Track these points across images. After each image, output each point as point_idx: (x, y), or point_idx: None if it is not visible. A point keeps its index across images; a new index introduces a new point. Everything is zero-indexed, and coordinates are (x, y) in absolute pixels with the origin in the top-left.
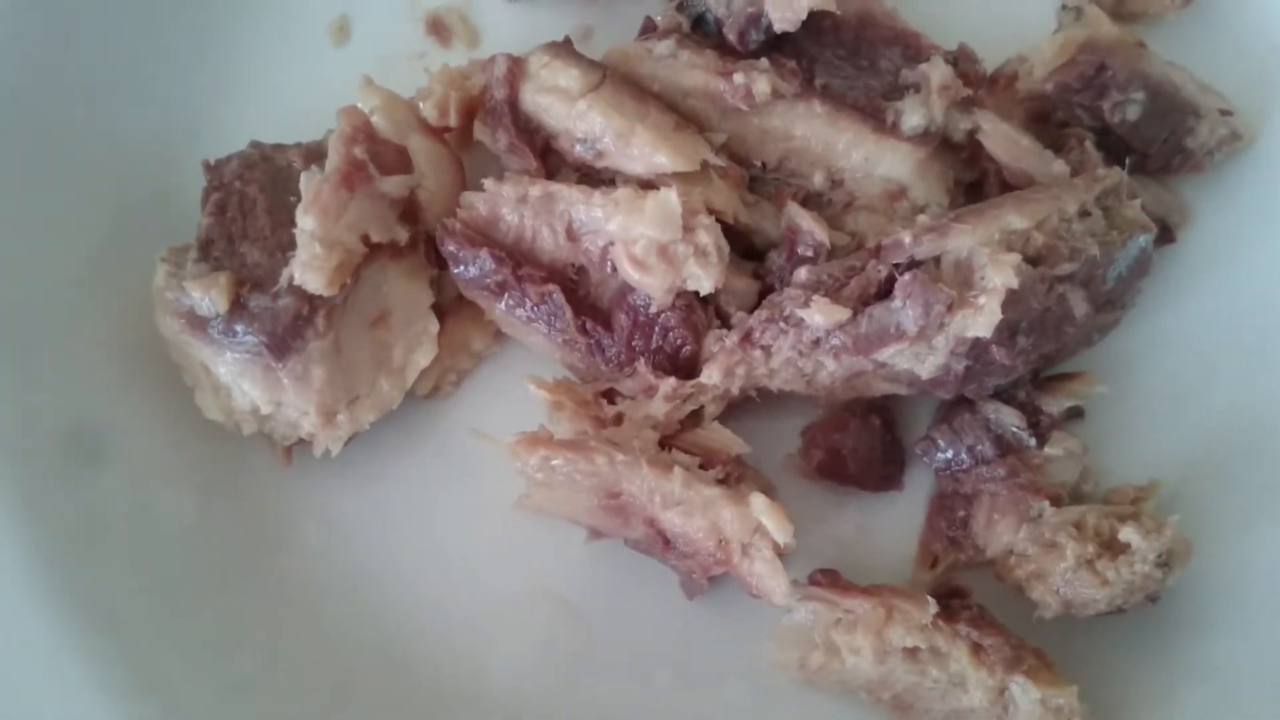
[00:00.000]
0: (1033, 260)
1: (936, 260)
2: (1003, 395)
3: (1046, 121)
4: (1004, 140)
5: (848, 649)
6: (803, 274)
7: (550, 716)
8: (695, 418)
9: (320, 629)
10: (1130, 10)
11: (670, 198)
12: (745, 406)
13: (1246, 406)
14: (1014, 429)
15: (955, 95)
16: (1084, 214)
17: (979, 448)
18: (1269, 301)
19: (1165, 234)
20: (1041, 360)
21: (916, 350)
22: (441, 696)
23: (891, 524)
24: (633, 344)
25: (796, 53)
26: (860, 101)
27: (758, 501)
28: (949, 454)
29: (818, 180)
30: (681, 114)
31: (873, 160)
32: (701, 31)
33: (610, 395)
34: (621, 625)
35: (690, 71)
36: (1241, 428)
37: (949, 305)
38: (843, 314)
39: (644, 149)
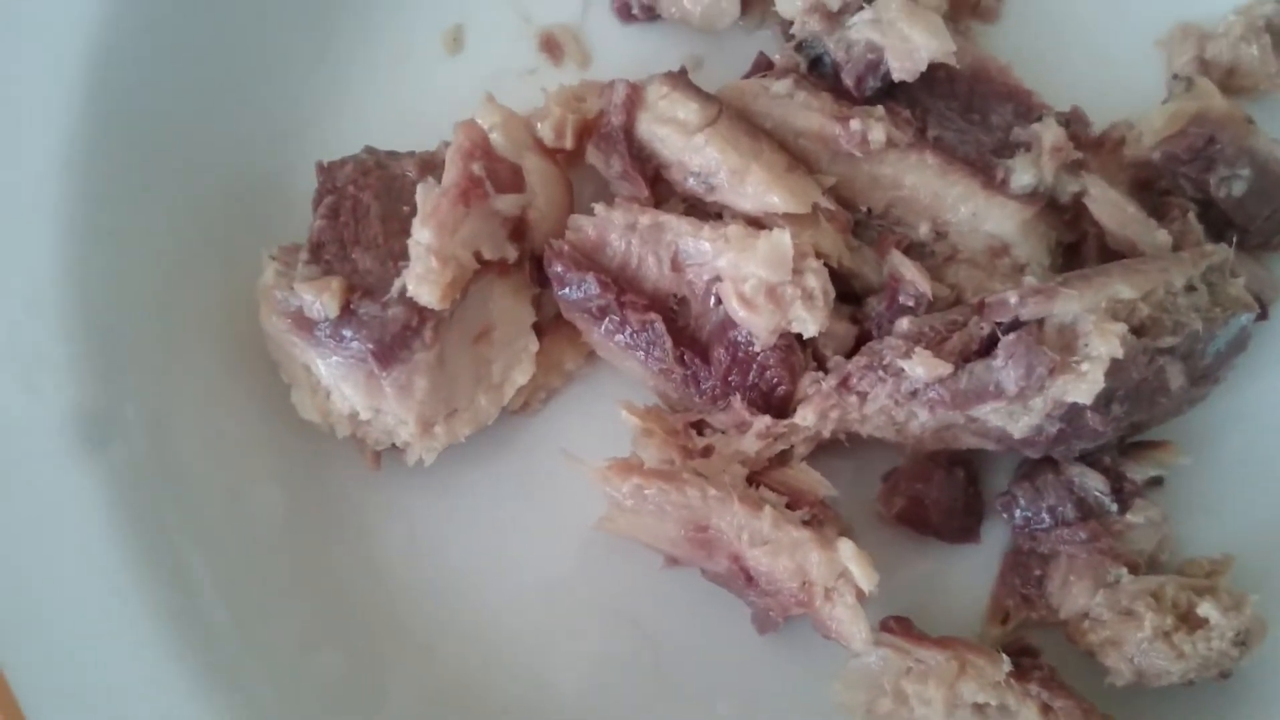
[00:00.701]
0: (1136, 330)
1: (1040, 323)
2: (1087, 458)
3: (1149, 189)
4: (1111, 207)
5: (918, 699)
6: (904, 324)
7: None
8: (783, 457)
9: (397, 632)
10: (1239, 84)
11: (784, 239)
12: (830, 448)
13: None
14: (1097, 493)
15: (1066, 157)
16: (1190, 289)
17: (1060, 509)
18: None
19: (1261, 311)
20: (1131, 430)
21: (1012, 410)
22: (507, 708)
23: (965, 576)
24: (729, 379)
25: (910, 102)
26: (971, 156)
27: (845, 547)
28: (1030, 512)
29: (923, 231)
30: (792, 154)
31: (980, 216)
32: (818, 73)
33: (700, 427)
34: (689, 653)
35: (805, 113)
36: None
37: (1051, 369)
38: (945, 369)
39: (758, 187)
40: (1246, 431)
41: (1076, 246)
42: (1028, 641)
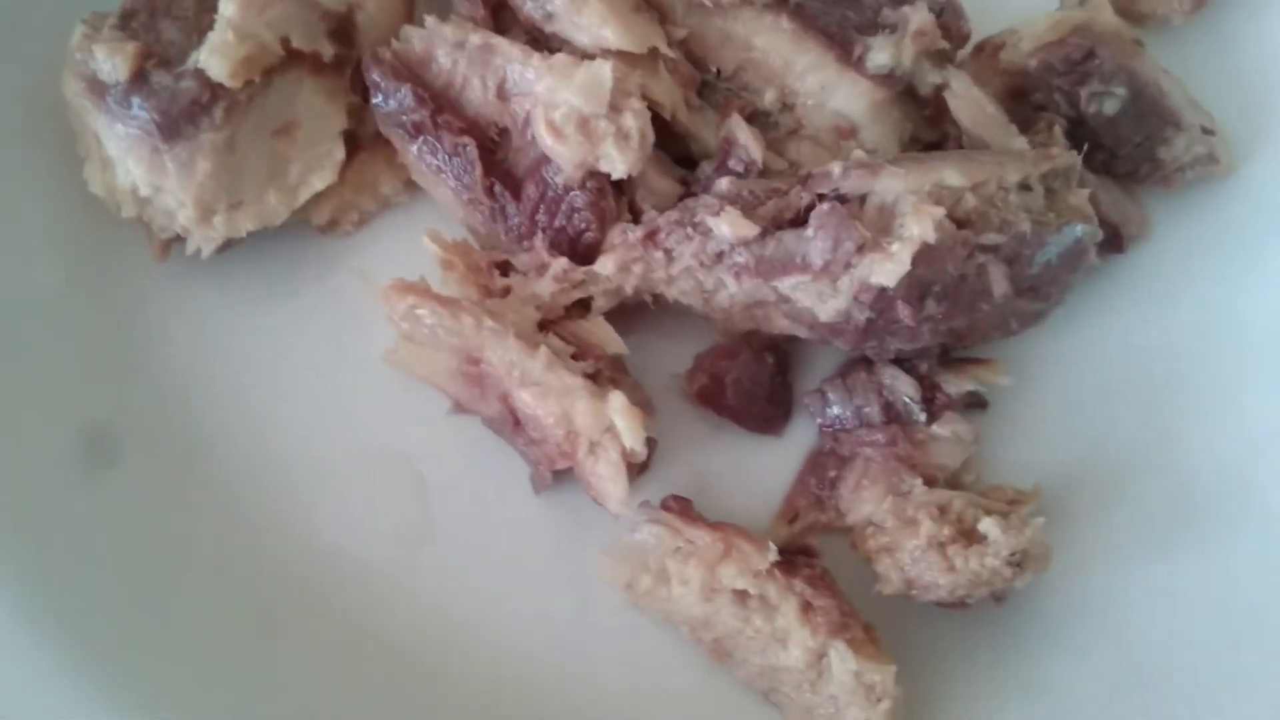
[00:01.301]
0: (960, 222)
1: (862, 200)
2: (905, 364)
3: (1023, 100)
4: (970, 104)
5: (678, 578)
6: (724, 184)
7: (368, 580)
8: (583, 308)
9: (166, 437)
10: (1139, 10)
11: (604, 70)
12: (647, 321)
13: (1145, 440)
14: (906, 399)
15: (930, 45)
16: (1025, 188)
17: (866, 409)
18: (1202, 339)
19: (1114, 241)
20: (950, 336)
21: (820, 289)
22: (264, 527)
23: (763, 470)
24: (536, 217)
25: None
26: (830, 28)
27: (615, 400)
28: (835, 410)
29: (769, 98)
30: None
31: (829, 90)
32: None
33: (505, 268)
34: (464, 505)
35: None
36: (1135, 459)
37: (860, 246)
38: (750, 230)
39: (593, 20)
40: (1081, 368)
41: (937, 147)
42: (808, 543)
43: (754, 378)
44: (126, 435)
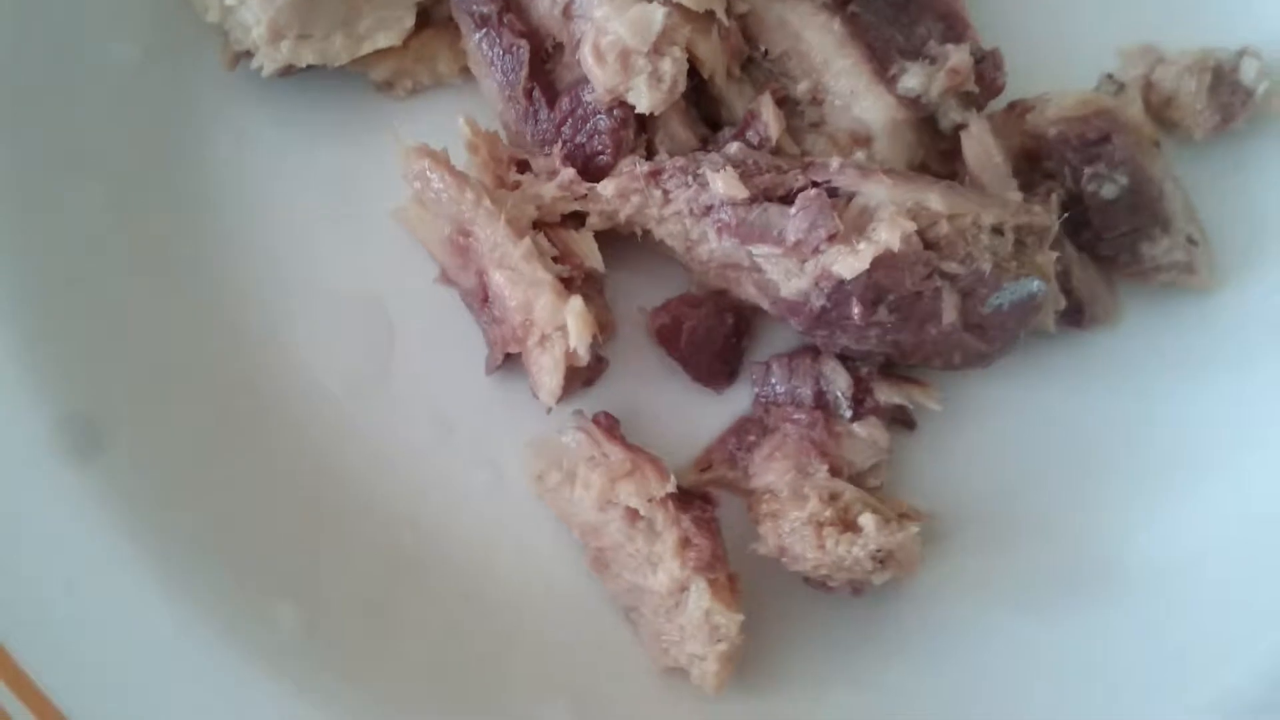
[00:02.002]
0: (928, 243)
1: (850, 198)
2: (847, 363)
3: (1035, 164)
4: (980, 147)
5: (582, 483)
6: (734, 148)
7: (321, 404)
8: (579, 222)
9: (178, 234)
10: (1168, 115)
11: (655, 13)
12: (638, 256)
13: (1045, 503)
14: (838, 392)
15: (960, 84)
16: (997, 232)
17: (800, 390)
18: (1128, 434)
19: (1076, 315)
20: (895, 349)
21: (788, 265)
22: (239, 347)
23: (695, 419)
24: (562, 128)
25: None
26: (875, 42)
27: (575, 303)
28: (773, 383)
29: (802, 88)
30: None
31: (856, 96)
32: None
33: (522, 167)
34: (422, 365)
35: None
36: (1032, 517)
37: (832, 235)
38: (741, 192)
39: None
40: (1015, 420)
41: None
42: (709, 491)
43: (710, 331)
44: (146, 215)
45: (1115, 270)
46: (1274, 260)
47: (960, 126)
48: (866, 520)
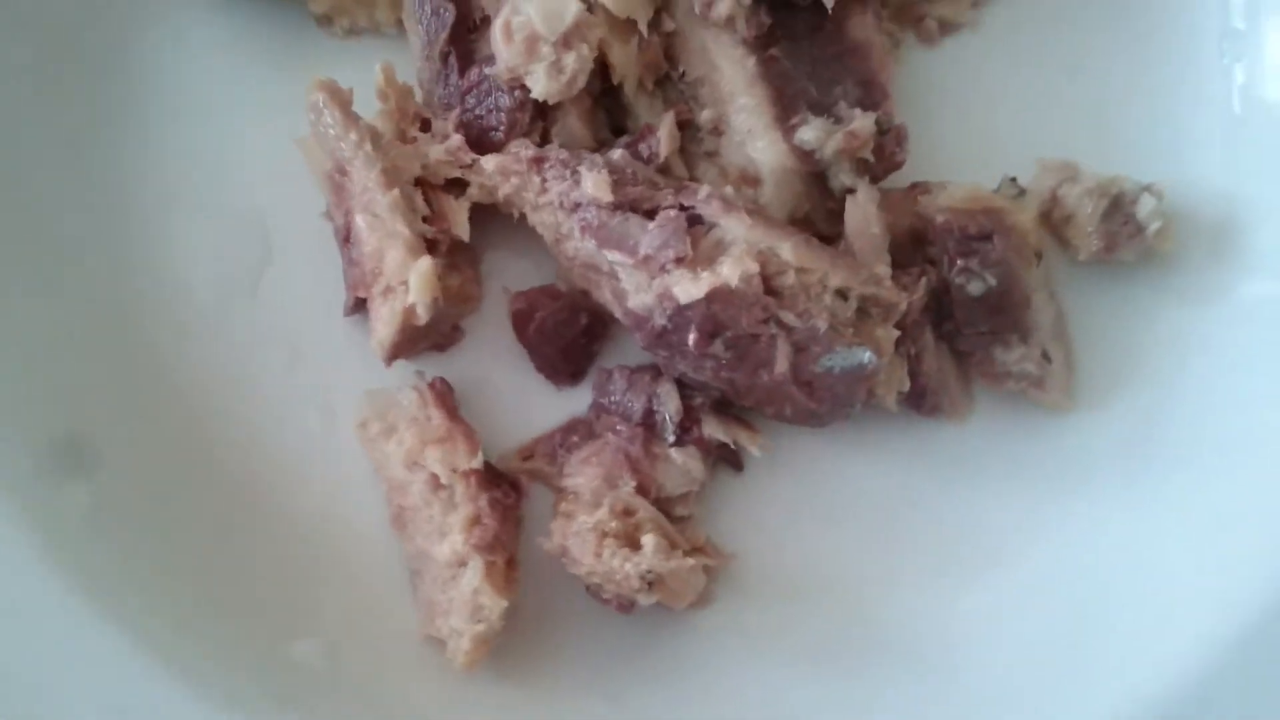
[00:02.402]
0: (771, 290)
1: (710, 228)
2: (684, 390)
3: (919, 246)
4: (861, 214)
5: (397, 439)
6: (616, 154)
7: (187, 308)
8: (461, 189)
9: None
10: (1064, 233)
11: (570, 6)
12: (526, 240)
13: (847, 576)
14: (666, 414)
15: (856, 148)
16: (841, 295)
17: (631, 404)
18: (945, 526)
19: (919, 399)
20: (729, 386)
21: (638, 279)
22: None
23: (533, 409)
24: (466, 96)
25: (780, 18)
26: (786, 90)
27: (423, 264)
28: (611, 391)
29: (705, 116)
30: None
31: (753, 136)
32: None
33: (425, 125)
34: (288, 290)
35: None
36: (830, 585)
37: (679, 258)
38: (606, 195)
39: None
40: (842, 486)
41: (825, 241)
42: (519, 480)
43: (560, 326)
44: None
45: (970, 367)
46: (1133, 391)
47: (849, 190)
48: (648, 540)
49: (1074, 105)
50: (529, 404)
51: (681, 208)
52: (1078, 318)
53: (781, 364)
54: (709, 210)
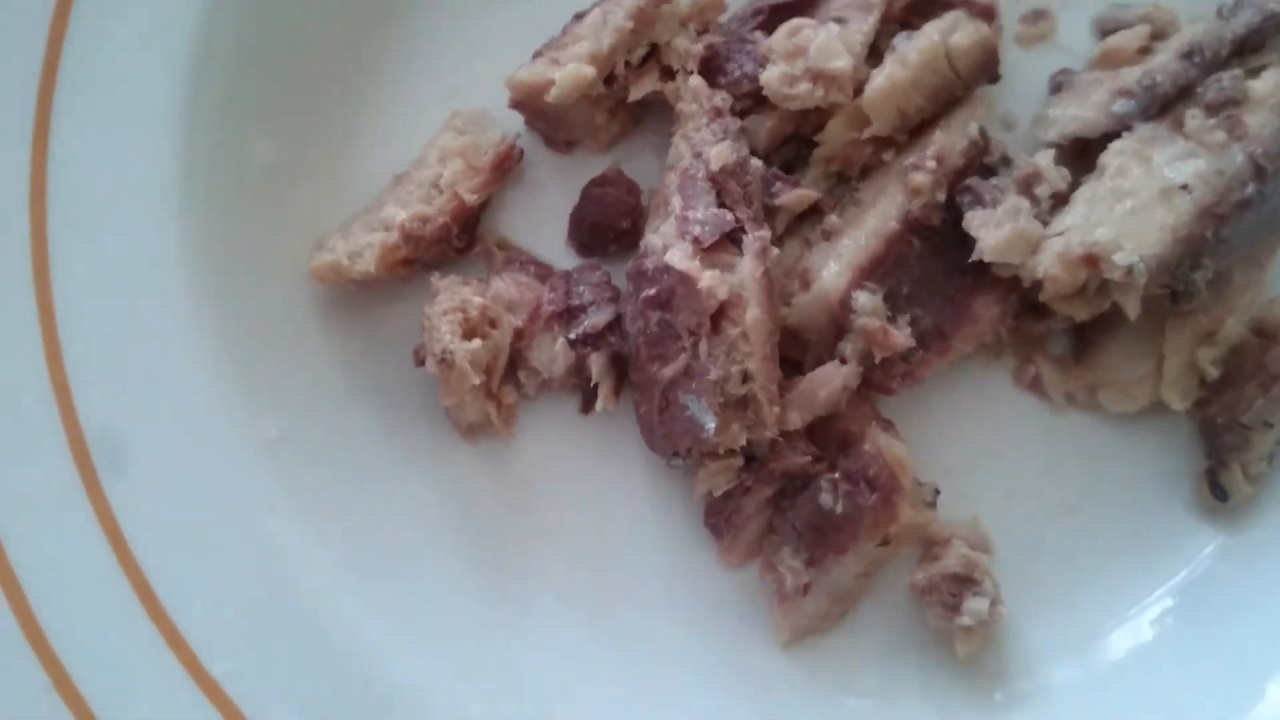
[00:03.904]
0: (715, 324)
1: (736, 255)
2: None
3: (835, 447)
4: (826, 380)
5: None
6: (758, 164)
7: None
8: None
9: None
10: None
11: (841, 59)
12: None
13: None
14: (586, 321)
15: (876, 343)
16: (745, 378)
17: (581, 290)
18: None
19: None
20: (635, 352)
21: (669, 227)
22: None
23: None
24: (736, 42)
25: (946, 229)
26: (887, 263)
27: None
28: (585, 271)
29: (831, 221)
30: None
31: (836, 262)
32: None
33: (702, 29)
34: None
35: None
36: None
37: (697, 240)
38: (714, 168)
39: None
40: None
41: None
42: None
43: (611, 206)
44: None
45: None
46: None
47: (842, 359)
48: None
49: None
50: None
51: (739, 223)
52: None
53: (670, 370)
54: (749, 247)
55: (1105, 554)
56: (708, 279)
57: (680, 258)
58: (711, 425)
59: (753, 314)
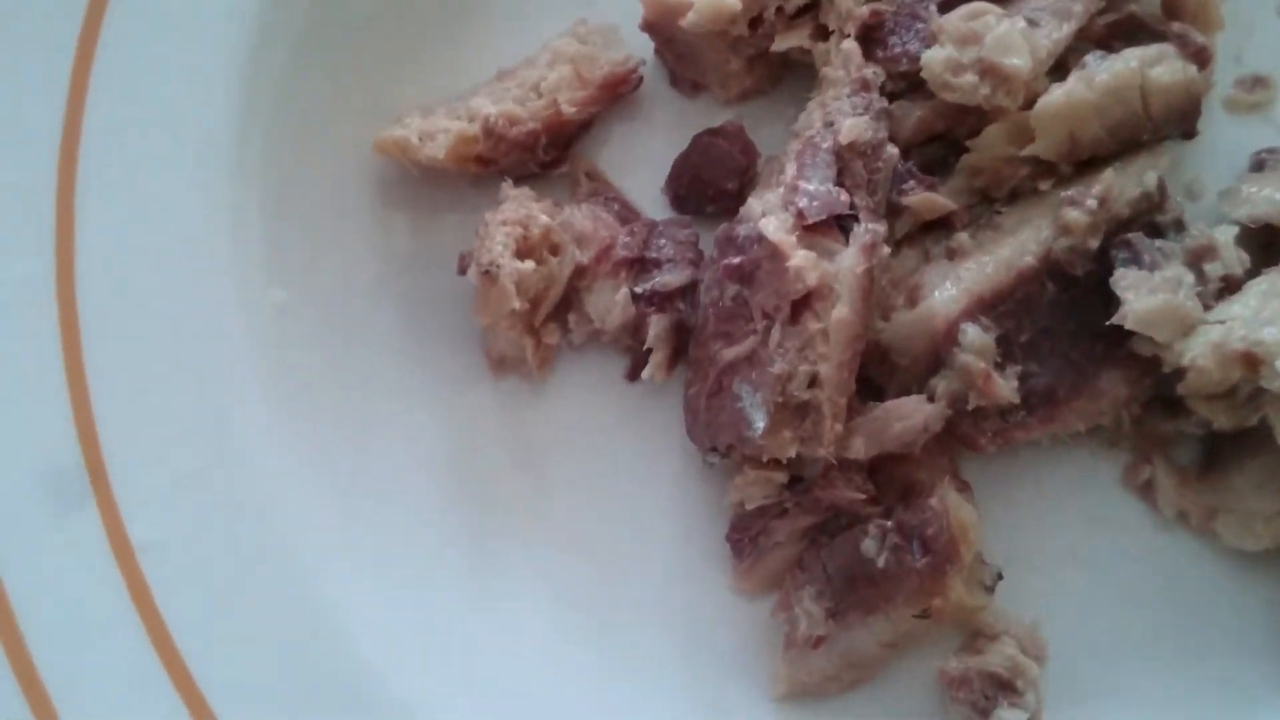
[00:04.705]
0: (795, 313)
1: (838, 244)
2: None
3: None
4: (896, 418)
5: None
6: (893, 152)
7: None
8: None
9: None
10: None
11: (1017, 55)
12: None
13: None
14: (656, 278)
15: (976, 385)
16: (813, 383)
17: (663, 246)
18: None
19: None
20: (701, 322)
21: (773, 194)
22: None
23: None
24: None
25: (1085, 285)
26: (1006, 302)
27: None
28: (673, 225)
29: (961, 240)
30: None
31: (955, 286)
32: None
33: None
34: None
35: None
36: None
37: (800, 214)
38: (840, 141)
39: None
40: None
41: None
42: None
43: (719, 162)
44: None
45: None
46: None
47: (930, 396)
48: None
49: None
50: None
51: (853, 209)
52: None
53: (732, 352)
54: (858, 238)
55: (1170, 701)
56: (800, 259)
57: (776, 228)
58: (761, 424)
59: (840, 312)
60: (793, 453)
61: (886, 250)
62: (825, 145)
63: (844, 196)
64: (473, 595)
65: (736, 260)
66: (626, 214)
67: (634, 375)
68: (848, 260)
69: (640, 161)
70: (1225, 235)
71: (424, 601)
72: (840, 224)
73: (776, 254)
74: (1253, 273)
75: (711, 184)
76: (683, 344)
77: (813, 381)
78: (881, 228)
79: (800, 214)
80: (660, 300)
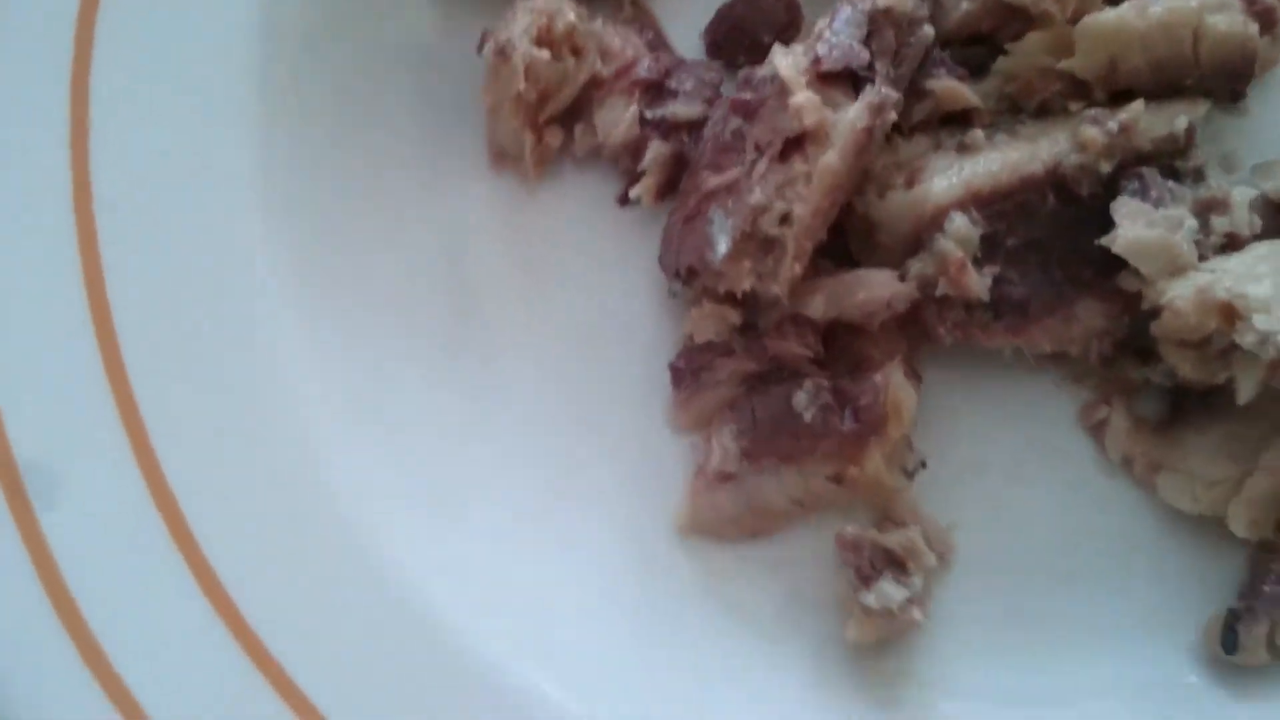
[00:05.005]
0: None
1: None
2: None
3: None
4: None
5: None
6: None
7: None
8: None
9: None
10: None
11: None
12: None
13: None
14: (666, 106)
15: (948, 274)
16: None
17: (684, 82)
18: None
19: None
20: (697, 143)
21: (801, 50)
22: None
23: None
24: None
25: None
26: (1005, 204)
27: None
28: (702, 66)
29: (974, 136)
30: None
31: (942, 177)
32: None
33: None
34: None
35: None
36: None
37: (817, 59)
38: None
39: None
40: None
41: None
42: None
43: (759, 13)
44: None
45: None
46: None
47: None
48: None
49: None
50: None
51: (870, 70)
52: None
53: (718, 180)
54: (867, 95)
55: (1069, 641)
56: (802, 97)
57: (788, 65)
58: (723, 249)
59: (829, 158)
60: (748, 285)
61: (892, 116)
62: (863, 6)
63: (866, 55)
64: (441, 401)
65: (745, 96)
66: (657, 43)
67: (624, 201)
68: (851, 113)
69: (689, 5)
70: (1242, 195)
71: (382, 392)
72: (855, 83)
73: (782, 90)
74: (1257, 238)
75: (748, 33)
76: (678, 176)
77: (785, 219)
78: (895, 96)
79: (817, 59)
80: (666, 129)
